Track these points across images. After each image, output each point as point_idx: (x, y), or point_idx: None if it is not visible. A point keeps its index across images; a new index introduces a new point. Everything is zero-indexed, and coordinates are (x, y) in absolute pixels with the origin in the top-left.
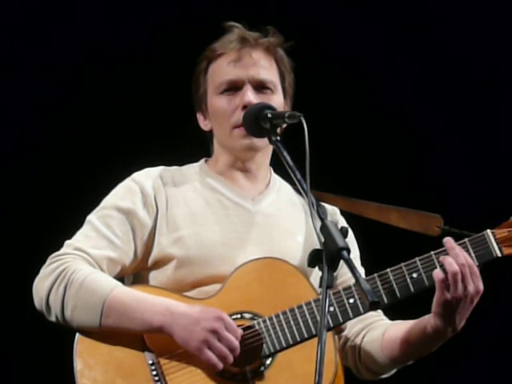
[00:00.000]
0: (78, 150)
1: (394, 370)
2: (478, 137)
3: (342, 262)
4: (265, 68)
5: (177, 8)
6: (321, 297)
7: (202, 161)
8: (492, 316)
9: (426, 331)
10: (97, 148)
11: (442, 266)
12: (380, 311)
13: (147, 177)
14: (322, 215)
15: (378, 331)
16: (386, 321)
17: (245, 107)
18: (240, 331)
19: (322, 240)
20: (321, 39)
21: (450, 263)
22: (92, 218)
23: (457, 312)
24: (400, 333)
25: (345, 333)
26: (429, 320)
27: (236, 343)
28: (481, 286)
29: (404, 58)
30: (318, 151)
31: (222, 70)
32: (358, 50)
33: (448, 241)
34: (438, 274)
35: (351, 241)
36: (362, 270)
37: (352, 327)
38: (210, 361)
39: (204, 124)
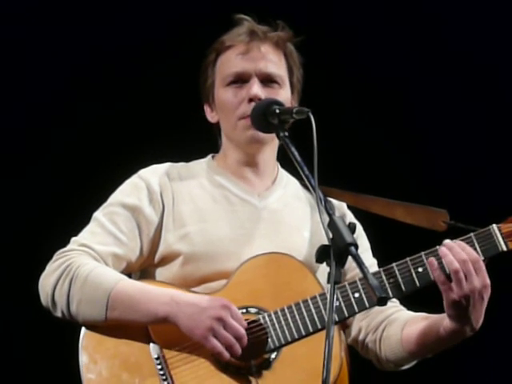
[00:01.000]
0: (84, 147)
1: (414, 363)
2: (485, 133)
3: (350, 257)
4: (273, 62)
5: (184, 2)
6: (327, 292)
7: (209, 157)
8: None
9: (441, 333)
10: (103, 145)
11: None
12: (396, 301)
13: (153, 173)
14: (329, 211)
15: (398, 326)
16: (404, 312)
17: (251, 100)
18: (245, 322)
19: (330, 236)
20: (330, 33)
21: (451, 262)
22: (98, 214)
23: (469, 311)
24: (417, 332)
25: (364, 326)
26: (442, 322)
27: (242, 331)
28: (487, 280)
29: (413, 50)
30: (325, 146)
31: (229, 62)
32: (368, 43)
33: (445, 244)
34: (438, 276)
35: (360, 233)
36: (374, 262)
37: (371, 320)
38: (216, 348)
39: (211, 116)
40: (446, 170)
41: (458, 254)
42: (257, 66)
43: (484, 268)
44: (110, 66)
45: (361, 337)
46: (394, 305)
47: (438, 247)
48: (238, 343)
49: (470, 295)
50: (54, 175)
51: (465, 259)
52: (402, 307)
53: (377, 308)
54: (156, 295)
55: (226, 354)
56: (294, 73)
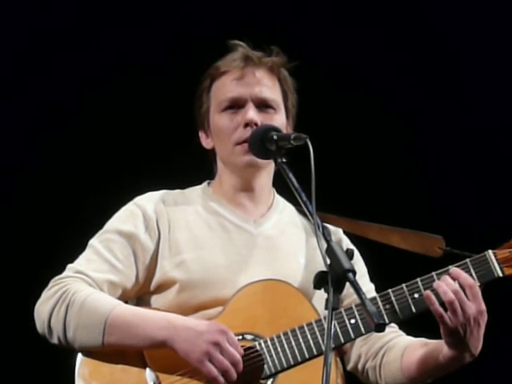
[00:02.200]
0: (80, 174)
1: None
2: (480, 158)
3: (347, 283)
4: (268, 87)
5: (178, 28)
6: (323, 318)
7: (205, 183)
8: None
9: (440, 360)
10: (99, 172)
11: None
12: (395, 326)
13: (149, 201)
14: (327, 237)
15: (397, 352)
16: (403, 337)
17: (247, 125)
18: (241, 348)
19: (328, 262)
20: (324, 57)
21: (445, 292)
22: (94, 241)
23: (467, 338)
24: (417, 359)
25: (364, 352)
26: (441, 349)
27: (238, 357)
28: (483, 306)
29: (408, 68)
30: (321, 172)
31: (224, 87)
32: (361, 64)
33: (437, 284)
34: (435, 310)
35: (357, 258)
36: (371, 287)
37: (371, 346)
38: (211, 373)
39: (206, 142)
40: (442, 195)
41: (450, 285)
42: (252, 91)
43: (479, 294)
44: (101, 92)
45: (361, 363)
46: (392, 330)
47: (433, 273)
48: (233, 368)
49: (466, 323)
50: (49, 202)
51: (457, 289)
52: (400, 332)
53: (376, 334)
54: (153, 319)
55: (221, 380)
56: (288, 98)
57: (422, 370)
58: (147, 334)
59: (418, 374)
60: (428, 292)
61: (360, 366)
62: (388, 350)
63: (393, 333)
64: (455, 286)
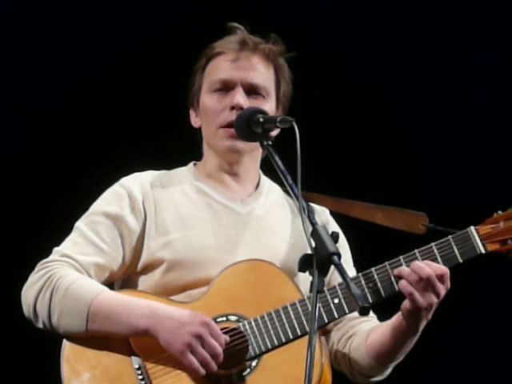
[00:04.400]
0: (65, 157)
1: (386, 372)
2: (464, 134)
3: (332, 267)
4: (260, 73)
5: (178, 11)
6: (306, 298)
7: (191, 164)
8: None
9: (399, 334)
10: (85, 154)
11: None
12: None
13: (135, 181)
14: (313, 220)
15: (362, 336)
16: (369, 323)
17: (233, 108)
18: (225, 338)
19: (313, 245)
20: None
21: (411, 274)
22: (80, 224)
23: (428, 312)
24: (377, 338)
25: (335, 341)
26: (400, 323)
27: (219, 350)
28: (448, 285)
29: (395, 53)
30: (306, 151)
31: (217, 68)
32: (351, 51)
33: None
34: (405, 286)
35: (342, 243)
36: (353, 272)
37: (342, 334)
38: (192, 365)
39: (195, 121)
40: (424, 172)
41: (421, 270)
42: (243, 75)
43: (445, 277)
44: (90, 76)
45: (332, 352)
46: (365, 319)
47: (416, 251)
48: (213, 361)
49: (433, 304)
50: (35, 185)
51: (430, 274)
52: (373, 320)
53: (349, 323)
54: (137, 308)
55: (202, 371)
56: (281, 87)
57: (384, 348)
58: (130, 322)
59: (380, 352)
60: (399, 268)
61: (332, 355)
62: (355, 336)
63: (364, 321)
64: (424, 270)
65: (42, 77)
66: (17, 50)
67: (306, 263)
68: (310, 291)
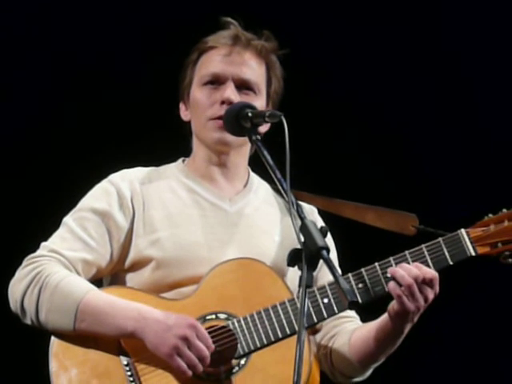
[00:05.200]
0: (54, 152)
1: (367, 373)
2: (455, 137)
3: (321, 263)
4: (252, 69)
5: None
6: (296, 296)
7: (180, 161)
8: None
9: (383, 333)
10: (73, 149)
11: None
12: (352, 314)
13: (124, 178)
14: (302, 215)
15: (345, 336)
16: (352, 323)
17: (223, 103)
18: (211, 342)
19: (302, 239)
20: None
21: (402, 276)
22: (68, 219)
23: (415, 315)
24: (362, 338)
25: (318, 339)
26: (386, 325)
27: (206, 353)
28: (437, 289)
29: (383, 49)
30: (296, 150)
31: (209, 62)
32: (333, 47)
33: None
34: (394, 288)
35: (329, 243)
36: (339, 272)
37: (325, 334)
38: (180, 368)
39: (184, 114)
40: (416, 174)
41: (410, 271)
42: (234, 71)
43: (434, 279)
44: (76, 72)
45: (315, 350)
46: (348, 319)
47: (406, 252)
48: (200, 364)
49: (421, 307)
50: (23, 179)
51: (417, 275)
52: (356, 320)
53: (331, 322)
54: (124, 309)
55: (189, 373)
56: (272, 84)
57: (368, 348)
58: (117, 324)
59: (364, 353)
60: (394, 269)
61: (314, 354)
62: (338, 335)
63: (348, 322)
64: (414, 272)
65: (32, 69)
66: (4, 45)
67: (294, 258)
68: (299, 286)
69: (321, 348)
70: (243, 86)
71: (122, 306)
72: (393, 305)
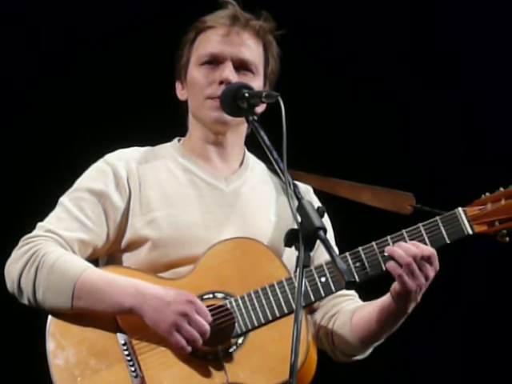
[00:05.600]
0: (50, 132)
1: (367, 352)
2: (452, 118)
3: (318, 243)
4: (250, 49)
5: None
6: (293, 276)
7: (175, 140)
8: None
9: (386, 313)
10: (69, 129)
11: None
12: (352, 293)
13: (120, 158)
14: (298, 195)
15: (346, 315)
16: (353, 301)
17: (221, 83)
18: (210, 317)
19: (299, 220)
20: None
21: (400, 256)
22: (64, 199)
23: (417, 294)
24: (364, 318)
25: (318, 319)
26: (388, 304)
27: (206, 327)
28: (437, 265)
29: (383, 27)
30: (293, 129)
31: (207, 42)
32: (335, 24)
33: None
34: (394, 268)
35: (326, 222)
36: (336, 251)
37: (325, 313)
38: (179, 343)
39: (181, 93)
40: (413, 153)
41: (408, 250)
42: (233, 51)
43: (433, 257)
44: (76, 51)
45: (315, 329)
46: (348, 298)
47: (403, 231)
48: (201, 338)
49: (422, 285)
50: (19, 160)
51: (415, 252)
52: (356, 298)
53: (331, 301)
54: (122, 286)
55: (189, 349)
56: (269, 64)
57: (370, 328)
58: (115, 301)
59: (366, 332)
60: (392, 248)
61: (314, 333)
62: (339, 315)
63: (348, 300)
64: (412, 250)
65: (29, 48)
66: None
67: (291, 238)
68: (296, 266)
69: (321, 327)
70: (241, 66)
71: (119, 283)
72: (394, 286)
